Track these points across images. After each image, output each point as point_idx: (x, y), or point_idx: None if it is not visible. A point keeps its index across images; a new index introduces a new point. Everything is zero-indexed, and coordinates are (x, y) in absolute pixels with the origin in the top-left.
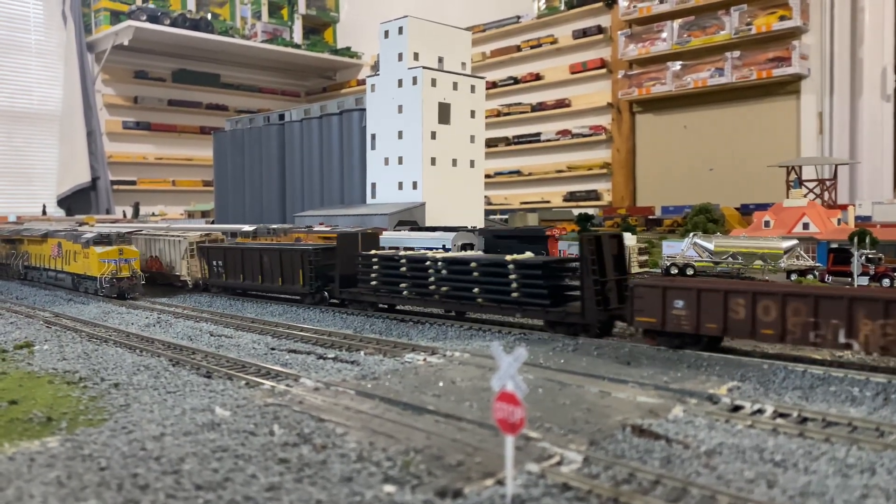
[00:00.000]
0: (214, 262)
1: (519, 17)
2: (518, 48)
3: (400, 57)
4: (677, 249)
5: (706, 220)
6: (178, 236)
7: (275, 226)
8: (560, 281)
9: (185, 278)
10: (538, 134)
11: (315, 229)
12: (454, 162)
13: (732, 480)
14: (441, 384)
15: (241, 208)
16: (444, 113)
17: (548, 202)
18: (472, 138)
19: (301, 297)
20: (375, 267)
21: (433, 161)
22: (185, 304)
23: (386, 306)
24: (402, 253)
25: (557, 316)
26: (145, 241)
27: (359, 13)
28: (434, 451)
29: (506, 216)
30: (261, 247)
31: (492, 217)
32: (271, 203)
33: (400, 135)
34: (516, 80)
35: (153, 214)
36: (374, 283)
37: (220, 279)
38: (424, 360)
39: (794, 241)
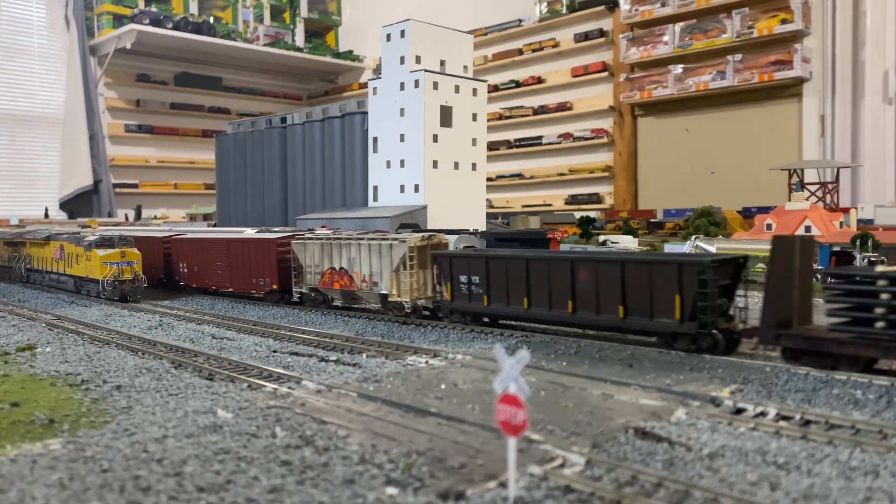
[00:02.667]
0: (465, 278)
1: (521, 21)
2: (520, 51)
3: (402, 60)
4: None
5: (708, 223)
6: (387, 240)
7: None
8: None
9: (398, 299)
10: (540, 137)
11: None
12: (456, 165)
13: (735, 483)
14: (443, 386)
15: (243, 211)
16: (445, 116)
17: (549, 205)
18: (474, 141)
19: (672, 338)
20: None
21: (435, 164)
22: (187, 306)
23: None
24: None
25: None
26: (320, 247)
27: (361, 16)
28: (436, 454)
29: (507, 219)
30: (577, 256)
31: (493, 220)
32: (273, 206)
33: (402, 138)
34: (518, 84)
35: (155, 217)
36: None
37: (474, 303)
38: (427, 362)
39: None
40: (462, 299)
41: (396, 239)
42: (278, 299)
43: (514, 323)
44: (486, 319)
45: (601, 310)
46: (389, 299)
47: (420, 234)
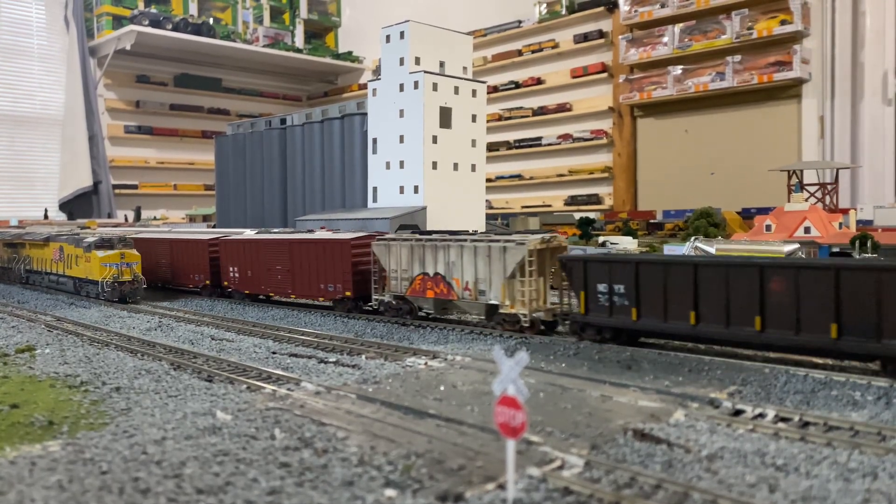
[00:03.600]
0: (604, 287)
1: (520, 22)
2: (519, 52)
3: (401, 61)
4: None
5: (707, 223)
6: (498, 242)
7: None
8: None
9: (513, 311)
10: (539, 138)
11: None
12: (455, 166)
13: (734, 485)
14: (442, 388)
15: (243, 212)
16: (445, 117)
17: (549, 206)
18: (474, 142)
19: None
20: None
21: (434, 165)
22: (187, 307)
23: None
24: None
25: None
26: (409, 250)
27: (360, 18)
28: (435, 455)
29: (506, 220)
30: (768, 262)
31: (493, 221)
32: (273, 207)
33: (401, 139)
34: (517, 85)
35: (155, 218)
36: None
37: (618, 317)
38: (426, 364)
39: (796, 245)
40: (600, 313)
41: (512, 241)
42: (351, 308)
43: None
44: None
45: (803, 328)
46: (500, 311)
47: (539, 236)
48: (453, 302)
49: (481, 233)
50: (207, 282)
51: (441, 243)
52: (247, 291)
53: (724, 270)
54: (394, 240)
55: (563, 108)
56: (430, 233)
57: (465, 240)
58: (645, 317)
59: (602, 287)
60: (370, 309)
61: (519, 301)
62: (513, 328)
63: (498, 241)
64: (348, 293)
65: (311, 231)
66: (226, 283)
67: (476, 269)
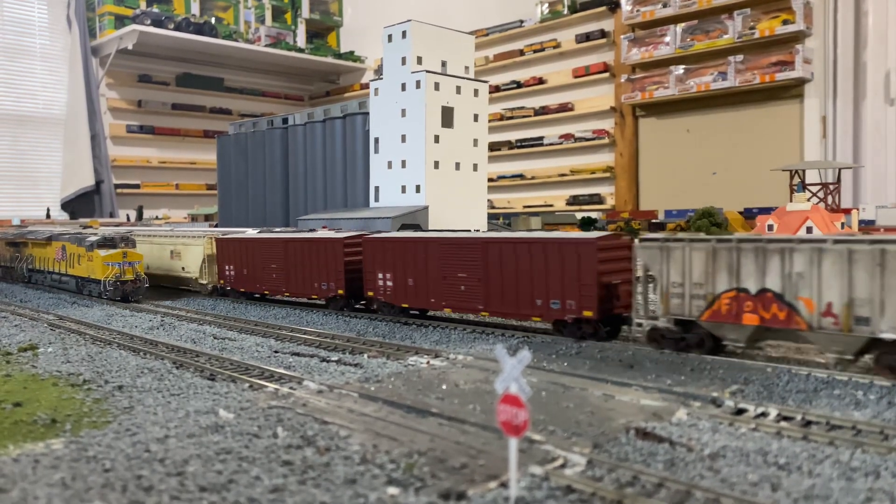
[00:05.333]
0: None
1: (522, 22)
2: (521, 52)
3: (403, 61)
4: None
5: (709, 223)
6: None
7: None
8: None
9: None
10: (541, 138)
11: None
12: (457, 165)
13: (736, 483)
14: (444, 387)
15: (245, 212)
16: (447, 117)
17: (551, 206)
18: (476, 142)
19: None
20: None
21: (436, 165)
22: (189, 307)
23: None
24: None
25: None
26: (707, 255)
27: (362, 17)
28: (437, 454)
29: (508, 220)
30: None
31: (495, 221)
32: (275, 206)
33: (403, 138)
34: (519, 84)
35: (157, 218)
36: None
37: None
38: (428, 362)
39: None
40: None
41: None
42: (343, 305)
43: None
44: None
45: None
46: None
47: None
48: (798, 332)
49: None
50: (340, 291)
51: (773, 245)
52: (405, 305)
53: None
54: (676, 240)
55: (564, 107)
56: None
57: (825, 241)
58: None
59: None
60: (361, 307)
61: None
62: None
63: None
64: (341, 291)
65: (312, 230)
66: (370, 294)
67: (850, 287)
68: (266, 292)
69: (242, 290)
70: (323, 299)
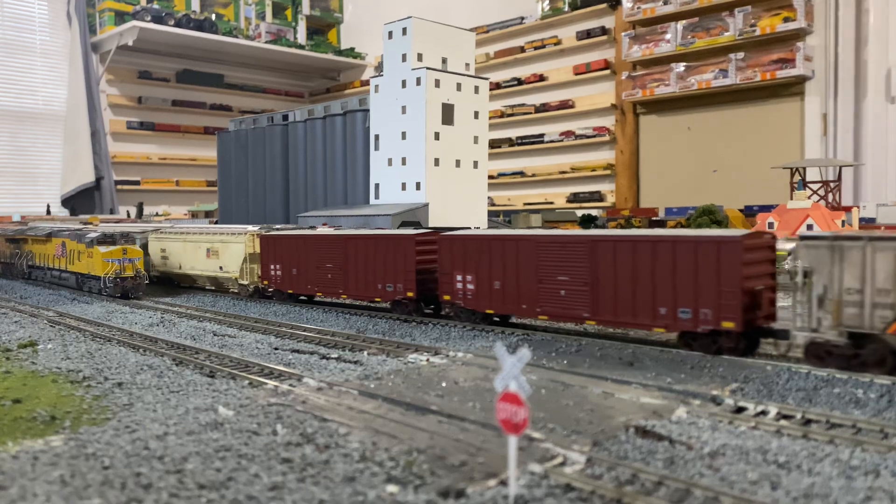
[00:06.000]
0: None
1: (523, 19)
2: (522, 49)
3: (404, 58)
4: None
5: (710, 221)
6: None
7: None
8: None
9: None
10: (542, 135)
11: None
12: (458, 163)
13: (736, 482)
14: (444, 384)
15: (245, 208)
16: (447, 114)
17: (551, 203)
18: (476, 139)
19: None
20: None
21: (436, 162)
22: (189, 304)
23: None
24: None
25: None
26: None
27: (362, 14)
28: (437, 452)
29: (508, 217)
30: None
31: (495, 218)
32: (275, 203)
33: (403, 135)
34: (520, 81)
35: (157, 214)
36: None
37: None
38: (427, 360)
39: None
40: None
41: None
42: (412, 310)
43: (515, 321)
44: None
45: None
46: None
47: None
48: None
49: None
50: (410, 294)
51: None
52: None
53: None
54: (852, 239)
55: (565, 104)
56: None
57: None
58: None
59: None
60: (430, 311)
61: None
62: None
63: None
64: (410, 294)
65: (271, 227)
66: (446, 298)
67: None
68: (319, 294)
69: (290, 291)
70: (387, 302)
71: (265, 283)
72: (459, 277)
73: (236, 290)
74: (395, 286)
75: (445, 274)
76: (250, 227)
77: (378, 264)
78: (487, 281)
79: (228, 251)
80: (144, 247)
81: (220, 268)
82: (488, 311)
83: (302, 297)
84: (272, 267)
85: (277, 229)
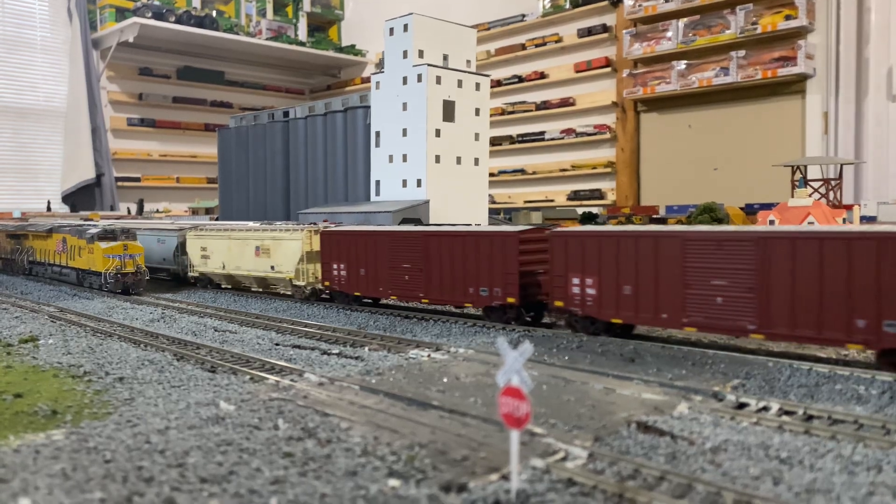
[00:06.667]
0: None
1: (524, 16)
2: (523, 46)
3: (405, 54)
4: None
5: (710, 219)
6: None
7: None
8: None
9: None
10: (542, 132)
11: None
12: (458, 160)
13: (738, 477)
14: (445, 380)
15: (245, 205)
16: (448, 111)
17: (552, 201)
18: (477, 136)
19: None
20: None
21: (437, 159)
22: (190, 299)
23: None
24: None
25: None
26: None
27: (363, 11)
28: (439, 446)
29: (509, 215)
30: None
31: (495, 215)
32: (275, 200)
33: (404, 132)
34: (521, 79)
35: (157, 211)
36: None
37: None
38: (429, 356)
39: None
40: None
41: None
42: (512, 317)
43: (649, 332)
44: None
45: None
46: None
47: None
48: None
49: None
50: (511, 300)
51: None
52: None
53: None
54: None
55: (566, 102)
56: None
57: None
58: None
59: None
60: (530, 319)
61: None
62: None
63: None
64: (511, 300)
65: (271, 224)
66: (559, 304)
67: None
68: (393, 297)
69: (357, 293)
70: (478, 308)
71: (326, 284)
72: (577, 281)
73: (289, 292)
74: (492, 290)
75: (558, 276)
76: (305, 224)
77: (469, 265)
78: (614, 285)
79: (282, 249)
80: (182, 245)
81: (272, 267)
82: (614, 321)
83: (366, 300)
84: (335, 266)
85: (335, 225)
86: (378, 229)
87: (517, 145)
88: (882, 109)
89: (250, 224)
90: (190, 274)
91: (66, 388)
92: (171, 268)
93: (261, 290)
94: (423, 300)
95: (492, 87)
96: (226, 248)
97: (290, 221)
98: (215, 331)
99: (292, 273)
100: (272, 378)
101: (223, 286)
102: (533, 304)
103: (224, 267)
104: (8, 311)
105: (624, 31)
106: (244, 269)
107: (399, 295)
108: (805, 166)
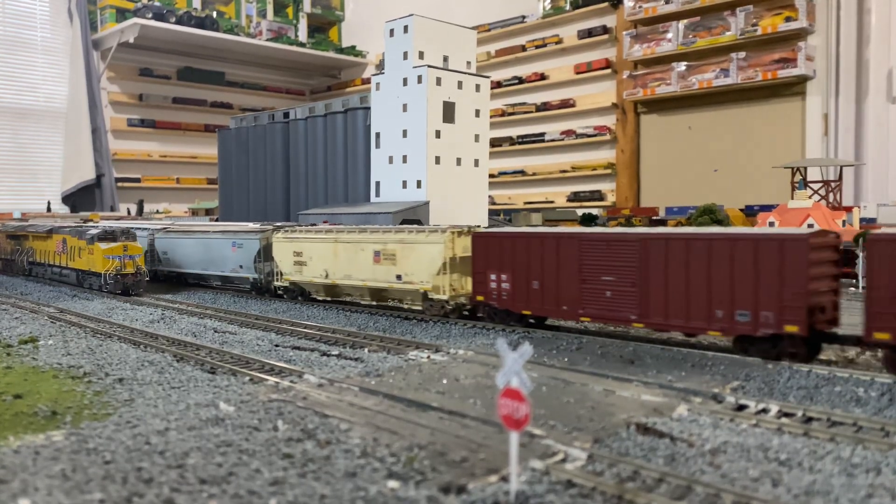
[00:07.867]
0: None
1: (524, 17)
2: (523, 48)
3: (405, 55)
4: None
5: (710, 220)
6: None
7: None
8: None
9: None
10: (542, 134)
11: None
12: (458, 161)
13: (737, 479)
14: (445, 381)
15: (245, 206)
16: (448, 112)
17: (552, 202)
18: (477, 137)
19: None
20: None
21: (437, 160)
22: (189, 300)
23: None
24: None
25: None
26: None
27: (364, 12)
28: (438, 448)
29: (509, 216)
30: None
31: (495, 216)
32: (275, 201)
33: (404, 133)
34: (521, 80)
35: (157, 212)
36: None
37: None
38: (428, 357)
39: None
40: None
41: None
42: (798, 355)
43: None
44: None
45: None
46: None
47: None
48: None
49: None
50: (792, 328)
51: None
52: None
53: None
54: None
55: (566, 104)
56: None
57: None
58: None
59: None
60: (820, 358)
61: None
62: None
63: None
64: (793, 328)
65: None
66: (881, 336)
67: None
68: (585, 319)
69: (525, 311)
70: (728, 338)
71: (480, 298)
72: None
73: (418, 306)
74: (757, 315)
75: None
76: (444, 223)
77: (716, 280)
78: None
79: (415, 255)
80: (267, 249)
81: (399, 277)
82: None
83: (531, 320)
84: (493, 278)
85: (486, 227)
86: (563, 231)
87: (517, 146)
88: (882, 111)
89: (358, 225)
90: (277, 284)
91: (66, 389)
92: (250, 276)
93: (374, 303)
94: (634, 324)
95: (492, 88)
96: (331, 254)
97: (290, 221)
98: (215, 332)
99: (429, 284)
100: (272, 379)
101: (319, 298)
102: (816, 333)
103: (327, 276)
104: (8, 311)
105: (624, 33)
106: (357, 278)
107: (595, 315)
108: (805, 168)
